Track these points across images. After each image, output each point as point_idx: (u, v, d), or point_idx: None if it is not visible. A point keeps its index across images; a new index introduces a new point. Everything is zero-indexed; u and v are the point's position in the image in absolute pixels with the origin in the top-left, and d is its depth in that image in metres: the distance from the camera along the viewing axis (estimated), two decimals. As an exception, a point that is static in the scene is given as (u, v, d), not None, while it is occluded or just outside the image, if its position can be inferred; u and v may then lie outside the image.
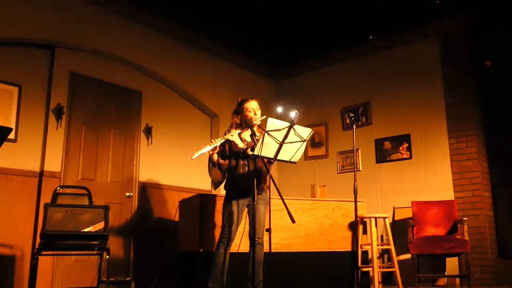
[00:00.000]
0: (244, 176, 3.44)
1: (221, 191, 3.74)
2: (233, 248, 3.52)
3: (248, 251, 3.42)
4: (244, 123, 3.48)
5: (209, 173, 3.55)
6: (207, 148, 3.32)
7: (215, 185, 3.56)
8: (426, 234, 4.95)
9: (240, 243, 3.42)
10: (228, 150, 3.53)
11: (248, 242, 3.44)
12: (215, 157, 3.46)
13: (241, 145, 3.42)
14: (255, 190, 3.15)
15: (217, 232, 4.06)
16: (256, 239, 3.37)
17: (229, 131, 3.54)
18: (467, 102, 5.54)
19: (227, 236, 3.39)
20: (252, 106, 3.54)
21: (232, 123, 3.63)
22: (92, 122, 5.09)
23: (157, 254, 4.73)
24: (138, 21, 5.50)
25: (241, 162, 3.47)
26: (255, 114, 3.52)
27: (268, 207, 3.14)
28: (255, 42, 6.35)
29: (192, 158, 3.29)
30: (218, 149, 3.44)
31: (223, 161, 3.51)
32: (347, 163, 6.42)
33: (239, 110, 3.59)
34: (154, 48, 5.68)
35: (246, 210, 3.51)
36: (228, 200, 3.50)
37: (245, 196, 3.45)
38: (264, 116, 3.41)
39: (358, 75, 6.50)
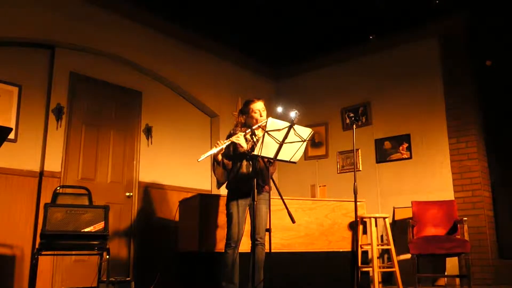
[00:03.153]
0: (247, 176, 3.43)
1: (221, 191, 3.74)
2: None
3: (249, 251, 3.42)
4: (247, 124, 3.52)
5: (214, 173, 3.58)
6: (213, 150, 3.37)
7: (219, 184, 3.59)
8: (426, 234, 4.95)
9: (240, 243, 3.43)
10: (232, 151, 3.54)
11: (249, 242, 3.44)
12: (220, 157, 3.49)
13: (246, 147, 3.43)
14: (255, 190, 3.14)
15: (217, 232, 4.08)
16: (258, 239, 3.36)
17: (234, 131, 3.58)
18: (467, 102, 5.54)
19: (233, 237, 3.39)
20: (258, 107, 3.55)
21: (238, 122, 3.67)
22: (92, 122, 5.09)
23: (157, 254, 4.73)
24: (138, 21, 5.50)
25: (245, 163, 3.48)
26: (261, 116, 3.53)
27: (269, 207, 3.16)
28: (255, 42, 6.35)
29: (198, 160, 3.33)
30: (223, 150, 3.47)
31: (227, 161, 3.53)
32: (347, 163, 6.42)
33: (245, 111, 3.61)
34: (154, 48, 5.69)
35: (247, 210, 3.52)
36: (231, 200, 3.50)
37: (247, 196, 3.45)
38: (267, 119, 3.42)
39: (358, 75, 6.50)
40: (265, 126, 3.05)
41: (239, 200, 3.46)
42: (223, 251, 3.43)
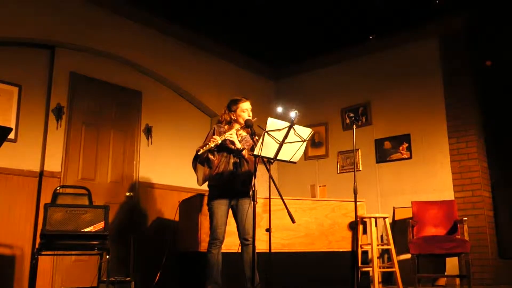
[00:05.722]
0: (232, 175, 3.45)
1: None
2: (233, 248, 3.53)
3: (239, 251, 3.44)
4: (245, 123, 3.50)
5: (195, 169, 3.56)
6: (211, 146, 3.36)
7: (203, 180, 3.56)
8: (426, 234, 4.95)
9: (240, 243, 3.43)
10: (217, 147, 3.50)
11: (238, 242, 3.46)
12: (205, 155, 3.47)
13: (239, 145, 3.45)
14: (255, 190, 3.14)
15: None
16: (248, 238, 3.36)
17: (219, 127, 3.60)
18: (467, 102, 5.54)
19: (217, 237, 3.39)
20: (247, 107, 3.59)
21: (223, 120, 3.66)
22: (92, 122, 5.09)
23: (157, 254, 4.73)
24: (138, 21, 5.50)
25: (231, 161, 3.48)
26: (249, 115, 3.56)
27: (268, 207, 3.15)
28: (255, 42, 6.34)
29: (198, 154, 3.37)
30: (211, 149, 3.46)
31: (212, 157, 3.50)
32: (347, 163, 6.42)
33: (233, 109, 3.61)
34: (154, 48, 5.68)
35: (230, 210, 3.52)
36: (213, 199, 3.47)
37: (230, 195, 3.46)
38: (256, 118, 3.45)
39: (358, 75, 6.50)
40: (263, 124, 3.06)
41: (222, 199, 3.44)
42: (222, 251, 3.43)
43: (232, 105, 3.63)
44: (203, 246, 4.06)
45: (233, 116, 3.59)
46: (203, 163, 3.53)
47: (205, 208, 4.12)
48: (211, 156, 3.49)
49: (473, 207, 5.27)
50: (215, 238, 3.39)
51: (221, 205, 3.44)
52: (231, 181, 3.44)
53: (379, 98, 6.25)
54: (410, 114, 5.94)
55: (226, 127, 3.59)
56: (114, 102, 5.33)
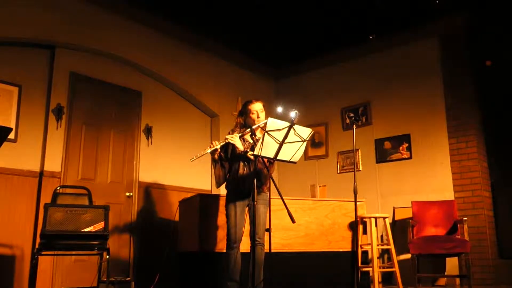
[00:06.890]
0: (244, 177, 3.46)
1: (221, 191, 3.75)
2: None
3: (248, 251, 3.43)
4: (246, 125, 3.54)
5: (214, 172, 3.62)
6: (207, 151, 3.39)
7: (217, 184, 3.61)
8: (426, 234, 4.95)
9: (241, 243, 3.43)
10: (231, 152, 3.56)
11: (249, 242, 3.45)
12: (216, 157, 3.52)
13: (241, 147, 3.46)
14: (255, 190, 3.15)
15: (217, 232, 4.08)
16: (257, 239, 3.38)
17: (233, 131, 3.60)
18: (467, 102, 5.54)
19: (233, 238, 3.42)
20: (256, 108, 3.57)
21: (237, 123, 3.69)
22: (92, 122, 5.09)
23: (157, 254, 4.73)
24: (138, 21, 5.50)
25: (242, 163, 3.50)
26: (258, 117, 3.55)
27: (268, 207, 3.17)
28: (255, 42, 6.35)
29: (191, 160, 3.39)
30: (218, 151, 3.48)
31: (224, 162, 3.55)
32: (347, 163, 6.42)
33: (244, 112, 3.64)
34: (154, 48, 5.69)
35: (247, 210, 3.53)
36: (229, 201, 3.53)
37: (245, 196, 3.48)
38: (266, 120, 3.43)
39: (358, 75, 6.50)
40: (264, 126, 3.06)
41: (237, 201, 3.47)
42: (224, 251, 3.45)
43: (242, 108, 3.68)
44: (203, 246, 4.07)
45: (245, 119, 3.61)
46: (219, 167, 3.56)
47: (205, 208, 4.15)
48: (225, 164, 3.55)
49: (473, 207, 5.27)
50: (229, 240, 3.43)
51: (234, 208, 3.47)
52: (243, 184, 3.45)
53: (379, 98, 6.25)
54: (410, 114, 5.94)
55: (241, 130, 3.59)
56: (114, 102, 5.33)
